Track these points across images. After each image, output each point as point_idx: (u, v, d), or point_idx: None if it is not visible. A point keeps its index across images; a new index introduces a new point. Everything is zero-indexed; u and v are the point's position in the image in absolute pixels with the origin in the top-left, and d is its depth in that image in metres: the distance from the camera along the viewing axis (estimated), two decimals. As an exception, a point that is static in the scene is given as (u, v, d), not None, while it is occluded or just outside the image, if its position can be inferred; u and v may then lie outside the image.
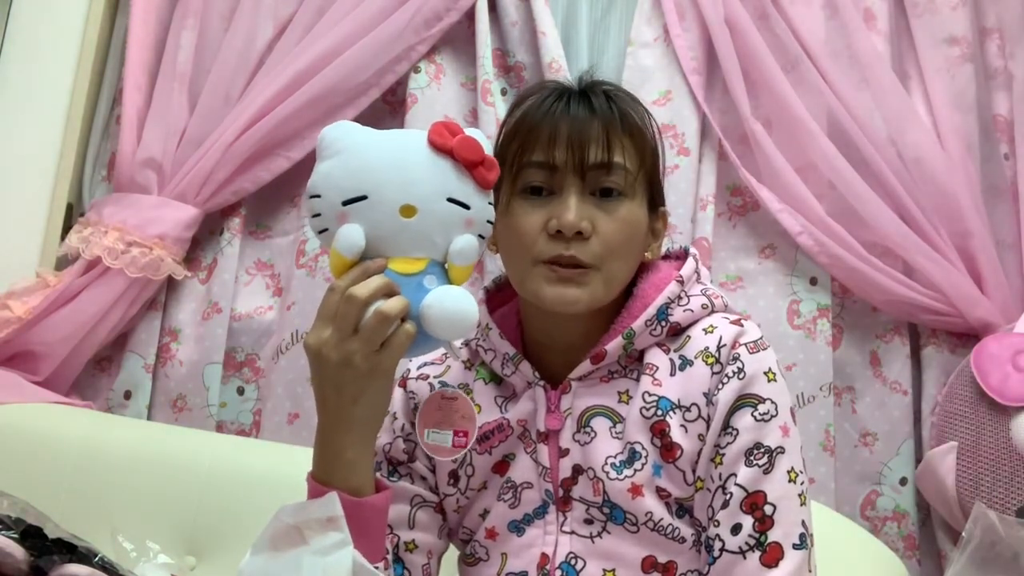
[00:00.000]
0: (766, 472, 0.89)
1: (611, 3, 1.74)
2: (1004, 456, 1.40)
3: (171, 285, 1.61)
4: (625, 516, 0.91)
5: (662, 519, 0.91)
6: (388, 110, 1.71)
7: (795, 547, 0.88)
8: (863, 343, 1.60)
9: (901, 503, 1.53)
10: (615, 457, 0.92)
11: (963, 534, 0.98)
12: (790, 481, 0.90)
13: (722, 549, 0.87)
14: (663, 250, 1.06)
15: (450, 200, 0.84)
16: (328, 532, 0.81)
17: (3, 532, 0.88)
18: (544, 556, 0.93)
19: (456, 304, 0.82)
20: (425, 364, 1.04)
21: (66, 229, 1.62)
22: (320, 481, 0.87)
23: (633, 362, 0.97)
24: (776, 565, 0.87)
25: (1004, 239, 1.58)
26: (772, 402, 0.92)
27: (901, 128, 1.58)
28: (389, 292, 0.81)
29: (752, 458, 0.90)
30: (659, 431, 0.91)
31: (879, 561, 1.28)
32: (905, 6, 1.67)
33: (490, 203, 0.87)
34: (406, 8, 1.62)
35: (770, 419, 0.91)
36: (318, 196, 0.84)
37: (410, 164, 0.85)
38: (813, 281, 1.59)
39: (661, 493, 0.91)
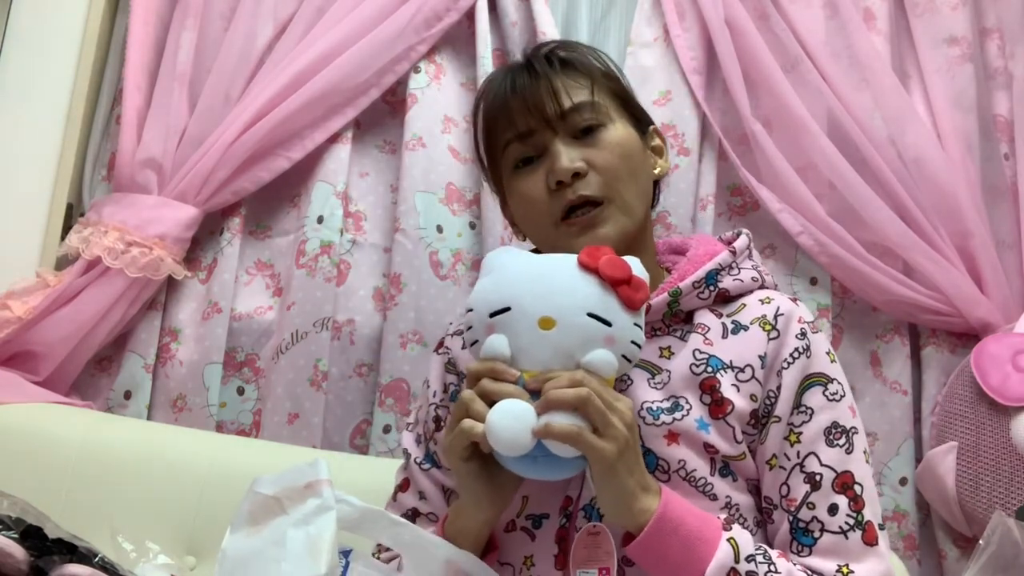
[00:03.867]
0: (848, 452, 0.91)
1: (611, 3, 1.74)
2: (1004, 456, 1.40)
3: (171, 285, 1.60)
4: (657, 463, 0.91)
5: (695, 470, 0.91)
6: (388, 110, 1.71)
7: (880, 527, 0.91)
8: (863, 343, 1.60)
9: (901, 503, 1.53)
10: (653, 403, 0.93)
11: (980, 542, 0.98)
12: (866, 462, 0.93)
13: (823, 530, 0.88)
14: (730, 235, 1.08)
15: (590, 315, 0.85)
16: (307, 499, 0.80)
17: (3, 532, 0.88)
18: (568, 499, 0.93)
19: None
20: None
21: (66, 229, 1.62)
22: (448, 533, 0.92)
23: (680, 323, 0.99)
24: (876, 543, 0.89)
25: (1004, 239, 1.58)
26: (838, 382, 0.95)
27: (901, 128, 1.58)
28: (485, 397, 0.84)
29: (832, 437, 0.91)
30: (708, 387, 0.93)
31: (879, 561, 1.28)
32: (905, 6, 1.67)
33: (637, 324, 0.87)
34: (406, 8, 1.62)
35: (840, 399, 0.94)
36: (471, 310, 0.89)
37: (554, 279, 0.87)
38: (813, 281, 1.59)
39: (709, 449, 0.91)
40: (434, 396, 1.07)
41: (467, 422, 0.83)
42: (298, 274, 1.57)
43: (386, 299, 1.59)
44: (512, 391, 0.83)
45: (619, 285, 0.86)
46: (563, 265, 0.88)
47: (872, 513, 0.90)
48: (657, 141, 1.09)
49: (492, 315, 0.87)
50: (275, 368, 1.55)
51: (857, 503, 0.89)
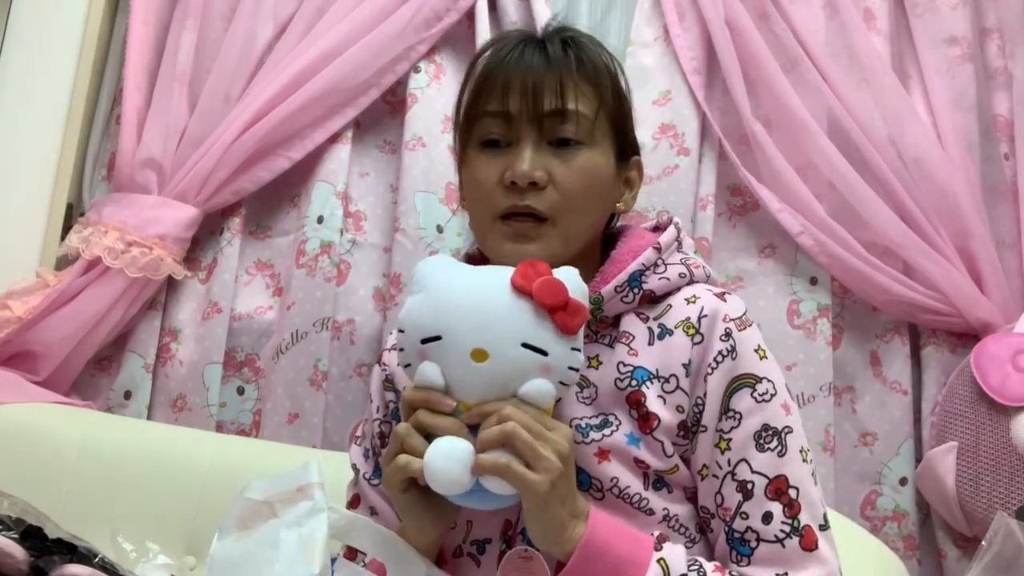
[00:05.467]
0: (780, 455, 0.88)
1: (611, 3, 1.74)
2: (1004, 456, 1.40)
3: (171, 285, 1.61)
4: (591, 482, 0.89)
5: (628, 487, 0.88)
6: (388, 110, 1.71)
7: (821, 528, 0.87)
8: (863, 343, 1.60)
9: (901, 503, 1.53)
10: (582, 420, 0.90)
11: (982, 542, 0.98)
12: (804, 461, 0.89)
13: (759, 540, 0.86)
14: (655, 220, 1.04)
15: (525, 345, 0.81)
16: (299, 502, 0.80)
17: (3, 532, 0.88)
18: (507, 523, 0.91)
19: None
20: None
21: (66, 229, 1.62)
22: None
23: (607, 328, 0.95)
24: (815, 547, 0.86)
25: (1004, 239, 1.58)
26: (769, 380, 0.91)
27: (901, 128, 1.58)
28: (420, 429, 0.82)
29: (763, 441, 0.88)
30: (635, 401, 0.89)
31: (879, 561, 1.28)
32: (905, 6, 1.67)
33: (574, 348, 0.83)
34: (406, 8, 1.62)
35: (771, 398, 0.90)
36: (402, 331, 0.84)
37: (487, 307, 0.82)
38: (813, 281, 1.59)
39: (640, 464, 0.89)
40: (376, 411, 1.04)
41: (403, 458, 0.81)
42: (298, 274, 1.57)
43: (386, 299, 1.59)
44: (448, 425, 0.81)
45: (555, 312, 0.81)
46: (496, 287, 0.83)
47: (810, 516, 0.87)
48: (633, 173, 1.04)
49: (423, 342, 0.83)
50: (275, 368, 1.55)
51: (792, 508, 0.86)
